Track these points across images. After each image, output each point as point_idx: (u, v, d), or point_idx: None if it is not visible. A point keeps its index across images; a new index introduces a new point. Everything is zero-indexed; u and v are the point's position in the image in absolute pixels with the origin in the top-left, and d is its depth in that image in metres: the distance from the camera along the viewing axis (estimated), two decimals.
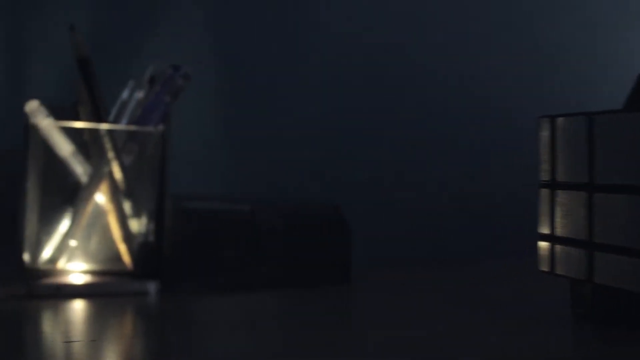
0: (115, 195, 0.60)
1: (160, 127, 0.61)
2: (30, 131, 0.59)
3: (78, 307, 0.53)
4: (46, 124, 0.59)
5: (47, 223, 0.59)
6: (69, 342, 0.43)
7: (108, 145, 0.60)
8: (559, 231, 0.48)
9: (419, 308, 0.55)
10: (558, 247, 0.49)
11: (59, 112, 0.59)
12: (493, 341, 0.45)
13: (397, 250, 0.74)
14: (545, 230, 0.50)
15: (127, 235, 0.60)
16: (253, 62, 0.76)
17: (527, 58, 0.85)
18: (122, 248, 0.60)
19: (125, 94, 0.62)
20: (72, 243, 0.59)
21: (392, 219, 0.78)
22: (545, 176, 0.50)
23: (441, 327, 0.49)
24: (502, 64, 0.83)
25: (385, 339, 0.45)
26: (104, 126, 0.60)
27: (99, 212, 0.60)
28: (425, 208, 0.79)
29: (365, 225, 0.70)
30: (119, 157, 0.60)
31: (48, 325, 0.50)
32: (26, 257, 0.59)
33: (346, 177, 0.78)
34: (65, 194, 0.60)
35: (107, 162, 0.60)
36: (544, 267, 0.50)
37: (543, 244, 0.50)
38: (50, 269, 0.59)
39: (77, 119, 0.60)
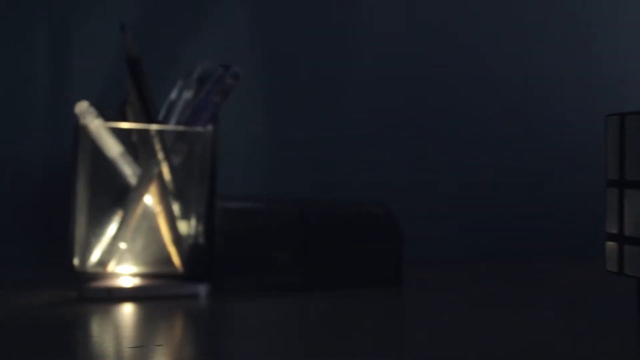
0: (165, 196, 0.59)
1: (210, 127, 0.60)
2: (80, 132, 0.58)
3: (128, 310, 0.53)
4: (96, 125, 0.58)
5: (97, 225, 0.59)
6: (134, 347, 0.43)
7: (157, 145, 0.59)
8: (628, 231, 0.47)
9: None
10: (627, 247, 0.47)
11: (107, 113, 0.59)
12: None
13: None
14: (613, 229, 0.48)
15: (177, 237, 0.59)
16: (299, 61, 0.75)
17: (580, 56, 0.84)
18: (172, 250, 0.59)
19: (173, 94, 0.61)
20: (122, 245, 0.59)
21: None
22: (612, 175, 0.48)
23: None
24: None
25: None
26: (154, 127, 0.59)
27: (148, 214, 0.59)
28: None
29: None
30: (168, 158, 0.59)
31: (98, 329, 0.49)
32: (76, 260, 0.58)
33: (398, 177, 0.77)
34: (115, 195, 0.59)
35: (157, 163, 0.59)
36: (612, 267, 0.49)
37: (611, 244, 0.49)
38: (99, 272, 0.58)
39: (125, 119, 0.59)
